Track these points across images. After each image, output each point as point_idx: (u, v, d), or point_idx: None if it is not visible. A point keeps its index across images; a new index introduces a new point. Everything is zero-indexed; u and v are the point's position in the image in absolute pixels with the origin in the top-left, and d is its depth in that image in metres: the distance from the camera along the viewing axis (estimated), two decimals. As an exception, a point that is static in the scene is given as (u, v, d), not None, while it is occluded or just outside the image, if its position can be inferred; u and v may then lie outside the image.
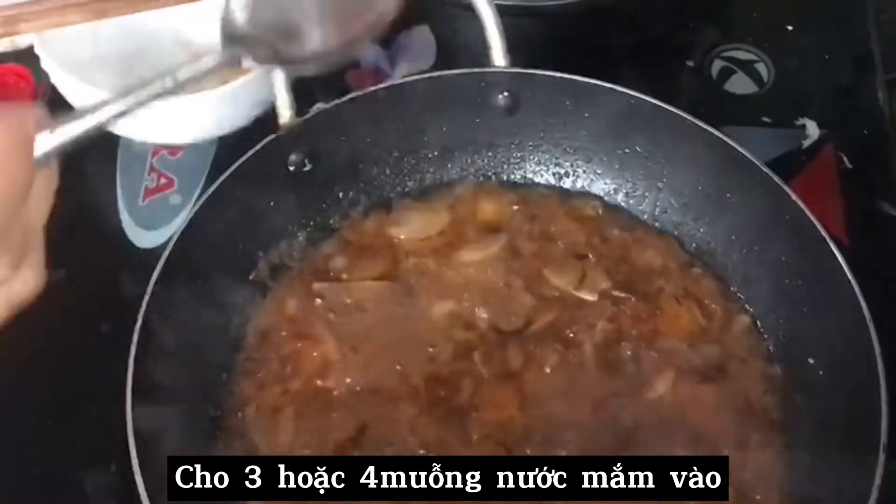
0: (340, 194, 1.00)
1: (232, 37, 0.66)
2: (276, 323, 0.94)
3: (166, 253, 0.86)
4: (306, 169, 0.95)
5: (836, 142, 1.13)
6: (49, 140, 0.56)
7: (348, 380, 0.90)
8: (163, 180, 1.11)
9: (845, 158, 1.12)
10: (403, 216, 1.00)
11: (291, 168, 0.94)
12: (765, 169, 0.91)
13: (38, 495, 0.93)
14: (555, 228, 0.99)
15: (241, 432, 0.88)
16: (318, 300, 0.94)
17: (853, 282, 0.85)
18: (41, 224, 0.57)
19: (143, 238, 1.08)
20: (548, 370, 0.90)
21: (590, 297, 0.94)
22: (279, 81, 0.91)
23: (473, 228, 0.99)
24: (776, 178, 0.91)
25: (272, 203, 0.94)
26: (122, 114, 0.60)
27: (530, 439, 0.87)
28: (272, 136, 0.91)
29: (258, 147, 0.91)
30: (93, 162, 1.13)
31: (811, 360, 0.89)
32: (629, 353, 0.91)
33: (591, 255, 0.97)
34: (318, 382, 0.90)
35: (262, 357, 0.92)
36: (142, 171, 1.11)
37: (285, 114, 0.92)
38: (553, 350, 0.91)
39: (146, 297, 0.83)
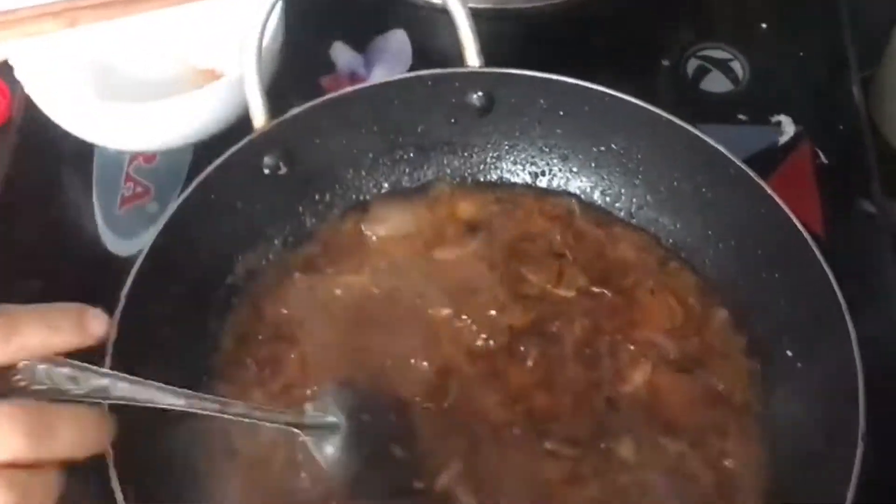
0: (316, 196, 0.99)
1: None
2: (253, 326, 0.93)
3: (141, 258, 0.85)
4: (281, 172, 0.94)
5: (812, 138, 1.14)
6: None
7: (328, 382, 0.89)
8: (139, 188, 1.10)
9: (822, 154, 1.13)
10: (382, 214, 1.00)
11: (266, 171, 0.94)
12: (740, 164, 0.91)
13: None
14: (532, 227, 0.99)
15: (221, 435, 0.87)
16: (296, 302, 0.94)
17: (830, 274, 0.85)
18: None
19: (120, 247, 1.07)
20: (530, 364, 0.90)
21: (567, 293, 0.94)
22: (252, 84, 0.91)
23: (452, 227, 0.99)
24: (752, 173, 0.91)
25: (248, 206, 0.94)
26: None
27: (513, 432, 0.87)
28: (246, 139, 0.91)
29: (232, 150, 0.91)
30: (69, 171, 1.13)
31: (789, 353, 0.89)
32: (607, 346, 0.91)
33: (568, 253, 0.97)
34: (298, 385, 0.90)
35: (240, 360, 0.91)
36: (118, 179, 1.11)
37: (259, 116, 0.92)
38: (534, 346, 0.91)
39: (121, 302, 0.83)
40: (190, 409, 0.77)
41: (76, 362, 0.72)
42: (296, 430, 0.82)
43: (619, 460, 0.86)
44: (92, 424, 0.70)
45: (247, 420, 0.81)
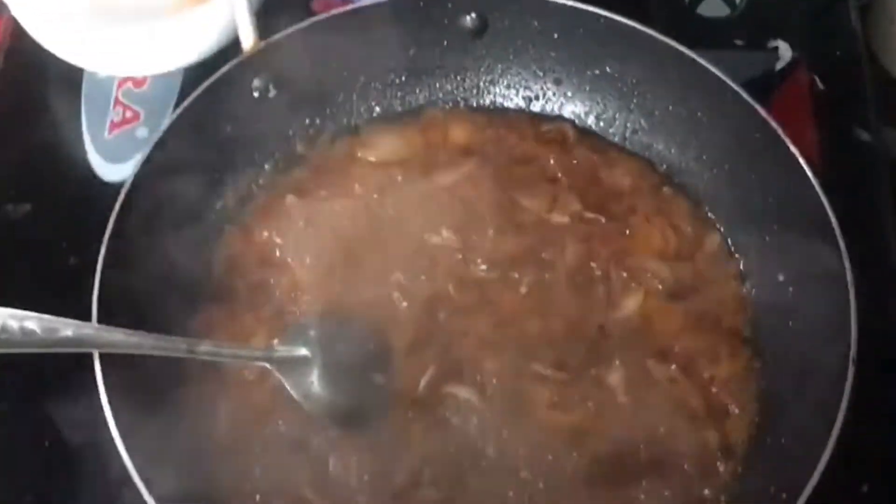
0: (307, 120, 0.98)
1: None
2: (244, 251, 0.93)
3: (129, 182, 0.85)
4: (271, 95, 0.94)
5: (808, 64, 1.12)
6: None
7: (319, 306, 0.89)
8: (128, 113, 1.09)
9: (818, 80, 1.11)
10: (374, 139, 0.99)
11: (256, 94, 0.93)
12: (736, 88, 0.91)
13: (7, 427, 0.93)
14: (526, 152, 0.98)
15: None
16: (287, 227, 0.93)
17: (824, 199, 0.84)
18: None
19: (109, 172, 1.06)
20: (523, 291, 0.90)
21: (561, 219, 0.93)
22: (241, 6, 0.90)
23: (445, 152, 0.98)
24: (747, 97, 0.90)
25: (237, 130, 0.93)
26: None
27: (505, 357, 0.87)
28: (235, 61, 0.91)
29: (221, 72, 0.90)
30: (57, 95, 1.12)
31: (781, 278, 0.89)
32: (600, 272, 0.91)
33: (562, 178, 0.96)
34: (290, 309, 0.90)
35: (232, 285, 0.91)
36: (107, 104, 1.10)
37: (248, 38, 0.91)
38: (528, 273, 0.91)
39: (110, 226, 0.83)
40: (157, 353, 0.77)
41: (44, 315, 0.73)
42: (267, 366, 0.83)
43: (608, 388, 0.86)
44: None
45: (215, 359, 0.82)
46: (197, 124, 0.89)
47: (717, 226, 0.94)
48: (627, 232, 0.93)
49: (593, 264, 0.91)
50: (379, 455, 0.83)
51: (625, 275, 0.90)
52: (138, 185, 0.85)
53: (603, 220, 0.94)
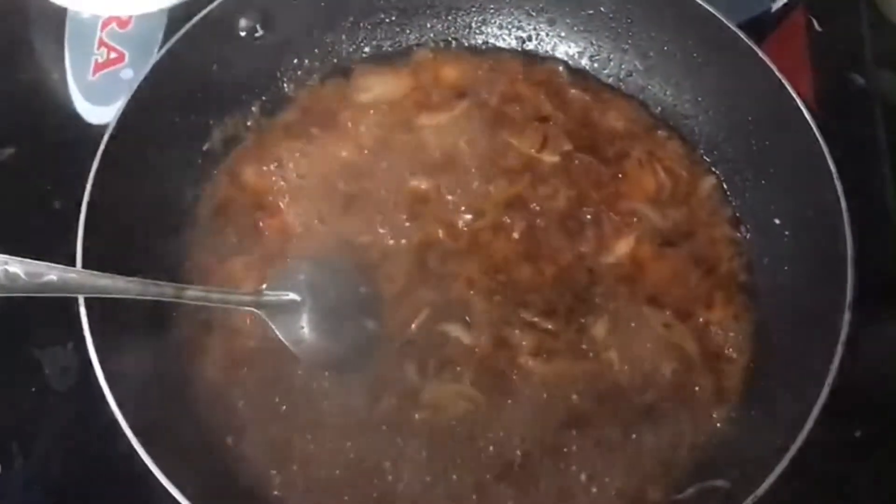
0: (295, 61, 0.96)
1: None
2: (232, 194, 0.91)
3: (114, 121, 0.83)
4: (258, 35, 0.92)
5: (806, 5, 1.10)
6: None
7: (308, 251, 0.88)
8: (113, 54, 1.07)
9: (815, 22, 1.09)
10: (365, 81, 0.97)
11: (242, 33, 0.91)
12: (733, 27, 0.89)
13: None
14: (518, 93, 0.96)
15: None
16: (277, 170, 0.91)
17: (821, 141, 0.83)
18: None
19: (93, 114, 1.04)
20: (515, 236, 0.89)
21: (551, 159, 0.92)
22: (227, -58, 0.88)
23: (436, 93, 0.96)
24: (744, 37, 0.88)
25: (223, 71, 0.91)
26: None
27: (494, 302, 0.86)
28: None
29: (207, 10, 0.88)
30: (40, 36, 1.09)
31: (777, 221, 0.88)
32: (591, 217, 0.90)
33: (553, 119, 0.94)
34: (279, 254, 0.88)
35: (220, 230, 0.90)
36: (91, 45, 1.07)
37: (233, -25, 0.89)
38: (520, 218, 0.90)
39: (94, 165, 0.81)
40: (143, 298, 0.76)
41: (28, 259, 0.72)
42: (256, 311, 0.82)
43: (597, 337, 0.85)
44: None
45: (204, 304, 0.81)
46: (182, 65, 0.87)
47: (713, 168, 0.93)
48: (620, 175, 0.92)
49: (585, 208, 0.90)
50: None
51: (617, 219, 0.89)
52: (123, 128, 0.83)
53: (595, 161, 0.92)
